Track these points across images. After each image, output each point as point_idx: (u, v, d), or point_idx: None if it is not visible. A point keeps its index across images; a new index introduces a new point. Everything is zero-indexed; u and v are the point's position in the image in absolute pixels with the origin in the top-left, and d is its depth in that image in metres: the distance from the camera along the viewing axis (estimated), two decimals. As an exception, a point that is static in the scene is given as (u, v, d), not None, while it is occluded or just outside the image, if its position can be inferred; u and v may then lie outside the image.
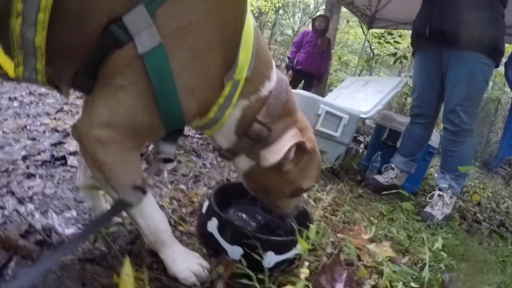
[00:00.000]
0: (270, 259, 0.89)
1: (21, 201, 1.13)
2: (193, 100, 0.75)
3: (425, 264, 1.14)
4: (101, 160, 0.71)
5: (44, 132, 1.77)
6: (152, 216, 0.80)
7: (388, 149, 2.78)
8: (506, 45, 2.45)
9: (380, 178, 2.49)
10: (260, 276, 0.83)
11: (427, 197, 2.27)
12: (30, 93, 2.59)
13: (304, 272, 0.83)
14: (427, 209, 2.15)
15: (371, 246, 1.15)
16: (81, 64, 0.70)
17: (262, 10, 11.11)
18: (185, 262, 0.84)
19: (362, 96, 2.94)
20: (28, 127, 1.83)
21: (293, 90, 2.54)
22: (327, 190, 1.81)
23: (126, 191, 0.74)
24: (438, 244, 1.44)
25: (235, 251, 0.90)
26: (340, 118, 2.39)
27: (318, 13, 6.30)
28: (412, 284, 1.03)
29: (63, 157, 1.52)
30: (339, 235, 1.21)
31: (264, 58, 0.84)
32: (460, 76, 2.15)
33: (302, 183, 0.95)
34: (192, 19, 0.69)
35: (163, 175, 1.49)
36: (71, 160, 1.51)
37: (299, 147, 0.86)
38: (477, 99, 2.21)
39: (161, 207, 1.19)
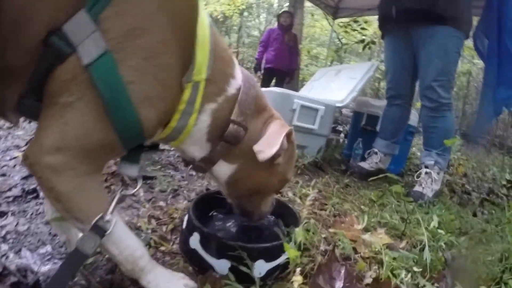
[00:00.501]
0: (261, 268, 0.83)
1: None
2: (151, 108, 0.66)
3: (424, 245, 1.10)
4: (57, 189, 0.64)
5: (14, 166, 1.70)
6: (125, 242, 0.72)
7: (369, 135, 2.76)
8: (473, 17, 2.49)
9: (364, 165, 2.46)
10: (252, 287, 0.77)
11: (415, 176, 2.25)
12: None
13: (296, 280, 0.76)
14: (417, 188, 2.13)
15: (366, 236, 1.10)
16: (25, 86, 0.63)
17: (226, 15, 11.07)
18: (170, 285, 0.76)
19: (335, 85, 2.91)
20: None
21: (266, 88, 2.49)
22: (312, 184, 1.76)
23: (91, 220, 0.66)
24: (434, 223, 1.42)
25: (222, 265, 0.83)
26: (316, 110, 2.34)
27: (282, 10, 6.28)
28: (415, 269, 0.98)
29: (34, 190, 1.44)
30: (331, 230, 1.15)
31: (225, 56, 0.77)
32: (433, 52, 2.15)
33: (288, 173, 0.93)
34: (140, 20, 0.62)
35: (139, 194, 1.41)
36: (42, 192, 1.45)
37: (287, 137, 0.83)
38: (452, 72, 2.21)
39: (139, 228, 1.11)
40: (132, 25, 0.61)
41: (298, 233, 0.87)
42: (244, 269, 0.80)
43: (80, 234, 0.91)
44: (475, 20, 2.37)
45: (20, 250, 1.03)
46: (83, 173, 0.65)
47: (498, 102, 2.41)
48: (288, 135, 0.83)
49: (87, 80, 0.59)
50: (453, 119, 2.28)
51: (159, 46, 0.64)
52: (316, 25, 11.19)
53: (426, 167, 2.21)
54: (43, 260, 0.98)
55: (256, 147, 0.79)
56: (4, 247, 1.05)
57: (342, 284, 0.81)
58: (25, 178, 1.54)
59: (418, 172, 2.24)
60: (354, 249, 1.06)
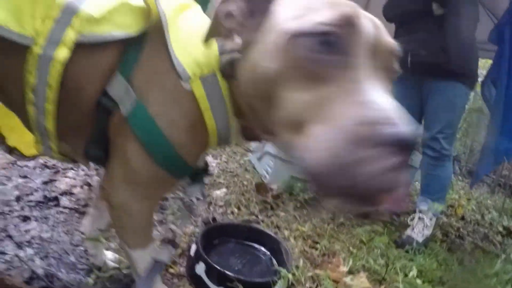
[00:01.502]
0: (254, 298, 1.01)
1: (20, 245, 1.24)
2: (186, 144, 0.77)
3: None
4: (123, 218, 0.83)
5: (34, 168, 1.85)
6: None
7: None
8: (482, 60, 2.66)
9: (362, 204, 2.62)
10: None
11: (408, 220, 2.39)
12: None
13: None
14: (408, 232, 2.27)
15: (348, 279, 1.28)
16: (88, 139, 0.80)
17: None
18: None
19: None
20: (18, 163, 1.90)
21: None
22: (309, 221, 1.95)
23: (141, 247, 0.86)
24: (413, 272, 1.59)
25: (220, 293, 1.02)
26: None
27: None
28: None
29: (56, 198, 1.62)
30: (317, 270, 1.33)
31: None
32: (441, 105, 2.30)
33: None
34: (157, 69, 0.75)
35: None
36: (64, 201, 1.62)
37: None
38: (456, 125, 2.39)
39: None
40: (152, 77, 0.75)
41: (286, 274, 1.05)
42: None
43: (108, 253, 1.12)
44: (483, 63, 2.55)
45: (45, 256, 1.22)
46: (143, 204, 0.83)
47: (499, 152, 2.52)
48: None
49: (130, 128, 0.74)
50: (451, 170, 2.44)
51: (176, 89, 0.75)
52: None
53: (420, 212, 2.35)
54: (68, 269, 1.17)
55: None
56: (30, 251, 1.23)
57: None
58: (45, 183, 1.71)
59: (411, 216, 2.38)
60: (337, 288, 1.24)
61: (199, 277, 1.06)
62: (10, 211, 1.43)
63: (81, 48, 0.70)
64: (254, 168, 2.92)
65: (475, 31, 2.37)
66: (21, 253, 1.20)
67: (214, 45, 0.75)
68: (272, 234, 1.45)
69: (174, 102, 0.75)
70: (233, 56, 0.71)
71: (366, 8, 3.44)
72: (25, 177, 1.74)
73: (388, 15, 2.66)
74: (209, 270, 1.04)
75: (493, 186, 7.26)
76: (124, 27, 0.73)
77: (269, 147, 2.63)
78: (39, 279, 1.08)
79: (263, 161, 2.75)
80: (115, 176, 0.80)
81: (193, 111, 0.75)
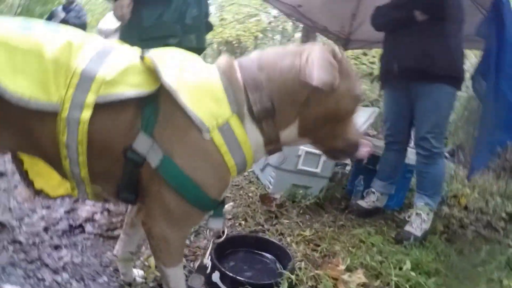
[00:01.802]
0: (262, 298, 1.20)
1: (56, 271, 1.42)
2: (211, 184, 0.94)
3: (395, 285, 1.47)
4: (162, 246, 0.99)
5: (55, 199, 1.96)
6: (181, 281, 1.08)
7: (370, 173, 3.05)
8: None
9: (362, 203, 2.78)
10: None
11: (406, 217, 2.53)
12: None
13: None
14: (407, 227, 2.40)
15: (346, 276, 1.46)
16: (119, 183, 0.95)
17: (241, 40, 11.65)
18: None
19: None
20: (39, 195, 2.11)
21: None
22: (311, 225, 2.14)
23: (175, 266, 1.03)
24: (407, 265, 1.76)
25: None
26: (319, 155, 2.71)
27: (296, 35, 6.71)
28: None
29: (80, 225, 1.79)
30: (317, 271, 1.51)
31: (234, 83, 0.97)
32: (428, 107, 2.45)
33: (355, 88, 1.01)
34: (177, 126, 0.90)
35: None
36: (88, 228, 1.79)
37: (333, 57, 0.94)
38: (445, 124, 2.55)
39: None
40: (173, 133, 0.90)
41: (288, 275, 1.24)
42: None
43: (135, 270, 1.32)
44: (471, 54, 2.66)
45: (81, 279, 1.41)
46: (178, 234, 1.00)
47: (493, 144, 2.60)
48: (333, 54, 0.93)
49: (160, 177, 0.89)
50: (444, 166, 2.59)
51: (197, 141, 0.90)
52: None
53: (417, 207, 2.49)
54: (103, 288, 1.37)
55: (311, 77, 0.89)
56: (66, 276, 1.42)
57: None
58: (68, 212, 1.89)
59: (409, 213, 2.52)
60: (336, 286, 1.43)
61: (216, 284, 1.25)
62: (41, 241, 1.61)
63: (102, 108, 0.84)
64: (257, 179, 3.10)
65: (459, 32, 2.49)
66: (59, 278, 1.37)
67: (223, 95, 0.92)
68: (276, 242, 1.65)
69: (197, 152, 0.91)
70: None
71: (354, 18, 3.65)
72: (48, 207, 1.91)
73: (375, 24, 2.84)
74: (223, 277, 1.24)
75: (498, 171, 7.34)
76: (136, 87, 0.87)
77: (270, 159, 2.81)
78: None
79: (266, 172, 2.93)
80: (154, 214, 0.96)
81: (215, 157, 0.91)
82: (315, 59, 0.91)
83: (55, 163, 0.93)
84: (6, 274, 1.36)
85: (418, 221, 2.43)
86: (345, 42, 5.48)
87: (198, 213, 0.99)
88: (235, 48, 12.07)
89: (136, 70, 0.89)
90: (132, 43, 2.27)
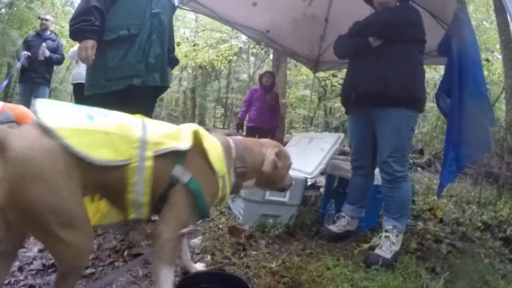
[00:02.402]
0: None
1: None
2: (212, 199, 1.50)
3: None
4: (167, 248, 1.39)
5: (29, 237, 2.04)
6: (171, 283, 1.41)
7: (341, 196, 3.12)
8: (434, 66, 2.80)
9: (333, 228, 2.83)
10: None
11: (376, 239, 2.54)
12: None
13: None
14: (376, 250, 2.44)
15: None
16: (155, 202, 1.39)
17: (215, 65, 11.83)
18: None
19: (307, 154, 3.33)
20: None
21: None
22: (278, 255, 2.17)
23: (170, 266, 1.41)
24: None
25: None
26: (286, 185, 2.76)
27: (265, 71, 6.86)
28: None
29: (53, 265, 1.80)
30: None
31: (228, 147, 1.62)
32: (388, 131, 2.51)
33: (287, 166, 1.84)
34: (197, 166, 1.43)
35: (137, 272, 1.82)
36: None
37: (277, 155, 1.70)
38: (406, 147, 2.56)
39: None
40: (195, 169, 1.42)
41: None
42: None
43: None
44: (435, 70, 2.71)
45: None
46: (178, 238, 1.42)
47: (460, 160, 2.61)
48: (277, 153, 1.70)
49: (185, 191, 1.38)
50: (409, 188, 2.62)
51: (209, 177, 1.47)
52: (302, 70, 11.85)
53: (386, 231, 2.52)
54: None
55: (263, 168, 1.65)
56: None
57: None
58: (41, 251, 1.90)
59: (378, 236, 2.55)
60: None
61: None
62: (15, 281, 1.63)
63: (159, 158, 1.32)
64: (229, 209, 3.13)
65: (418, 53, 2.56)
66: None
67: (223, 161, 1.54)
68: (240, 277, 1.68)
69: (209, 184, 1.46)
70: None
71: (322, 40, 3.74)
72: (22, 247, 1.87)
73: (337, 53, 2.95)
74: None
75: (475, 177, 7.47)
76: (177, 144, 1.38)
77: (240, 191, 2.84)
78: None
79: (236, 203, 2.96)
80: (168, 220, 1.40)
81: (215, 189, 1.49)
82: (267, 154, 1.68)
83: (117, 198, 1.32)
84: None
85: (388, 243, 2.47)
86: (315, 64, 5.67)
87: (195, 221, 1.50)
88: (209, 72, 12.27)
89: (171, 136, 1.41)
90: (97, 84, 2.34)
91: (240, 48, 11.70)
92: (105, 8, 2.37)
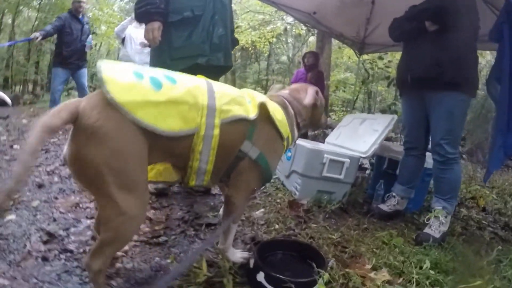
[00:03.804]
0: (301, 293, 1.43)
1: (110, 277, 1.57)
2: (277, 160, 1.71)
3: (417, 282, 1.68)
4: (238, 210, 1.62)
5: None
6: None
7: (390, 177, 3.26)
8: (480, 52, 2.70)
9: (384, 207, 2.98)
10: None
11: (425, 219, 2.68)
12: (64, 165, 3.13)
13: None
14: (426, 230, 2.58)
15: (372, 274, 1.68)
16: (225, 171, 1.53)
17: (257, 46, 11.93)
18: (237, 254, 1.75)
19: (359, 135, 3.46)
20: (80, 205, 2.29)
21: (300, 142, 3.09)
22: (337, 228, 2.35)
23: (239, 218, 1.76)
24: (427, 264, 1.95)
25: (278, 292, 1.45)
26: (343, 162, 2.93)
27: (306, 51, 6.91)
28: None
29: None
30: (347, 269, 1.74)
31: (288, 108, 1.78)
32: (442, 115, 2.60)
33: (323, 106, 2.02)
34: (265, 138, 1.55)
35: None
36: (134, 236, 1.94)
37: (316, 93, 1.89)
38: (459, 131, 2.66)
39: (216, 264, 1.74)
40: (263, 139, 1.53)
41: (325, 274, 1.46)
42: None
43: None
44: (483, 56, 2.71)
45: (135, 283, 1.58)
46: (247, 199, 1.75)
47: (508, 147, 2.65)
48: (316, 92, 1.90)
49: (255, 164, 1.52)
50: (459, 171, 2.71)
51: (276, 143, 1.62)
52: (344, 53, 11.79)
53: (435, 211, 2.62)
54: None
55: (304, 102, 1.81)
56: (120, 280, 1.58)
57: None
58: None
59: (428, 216, 2.67)
60: (363, 283, 1.64)
61: (260, 283, 1.47)
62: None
63: (225, 126, 1.38)
64: (283, 185, 3.33)
65: (472, 40, 2.62)
66: (114, 283, 1.54)
67: (285, 121, 1.66)
68: (310, 245, 1.88)
69: (276, 149, 1.64)
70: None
71: (368, 23, 3.80)
72: (92, 218, 2.11)
73: (392, 36, 3.02)
74: (268, 277, 1.46)
75: None
76: (244, 112, 1.46)
77: (296, 166, 3.05)
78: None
79: (291, 179, 3.16)
80: (239, 189, 1.58)
81: (282, 151, 1.68)
82: (309, 91, 1.86)
83: (182, 164, 1.42)
84: (63, 281, 1.52)
85: (437, 223, 2.59)
86: (360, 46, 5.69)
87: (260, 186, 1.74)
88: (250, 54, 12.37)
89: (237, 101, 1.46)
90: (163, 63, 2.49)
91: (285, 29, 11.72)
92: None
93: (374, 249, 2.15)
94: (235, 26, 11.63)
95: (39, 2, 15.00)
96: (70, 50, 5.71)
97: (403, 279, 1.79)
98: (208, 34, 2.49)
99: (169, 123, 1.22)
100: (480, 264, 2.22)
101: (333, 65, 12.51)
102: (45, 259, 1.67)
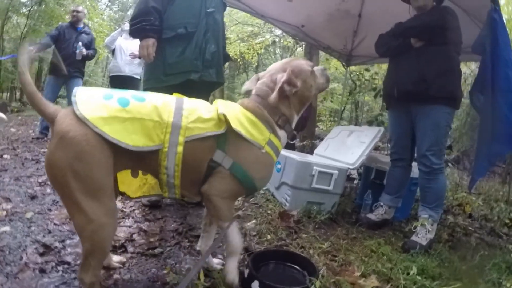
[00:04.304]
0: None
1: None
2: (266, 169, 1.59)
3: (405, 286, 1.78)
4: (219, 208, 1.52)
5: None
6: (236, 236, 1.59)
7: (377, 187, 3.38)
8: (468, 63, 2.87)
9: (372, 216, 3.09)
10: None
11: (412, 228, 2.81)
12: None
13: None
14: (413, 237, 2.69)
15: (361, 281, 1.78)
16: (197, 183, 1.51)
17: (246, 58, 12.12)
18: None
19: (347, 146, 3.59)
20: None
21: (288, 154, 3.19)
22: (327, 238, 2.45)
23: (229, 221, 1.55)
24: (414, 270, 2.06)
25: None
26: (331, 174, 3.04)
27: (298, 50, 7.07)
28: None
29: (122, 245, 2.07)
30: (337, 277, 1.83)
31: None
32: (427, 127, 2.73)
33: (309, 77, 1.70)
34: (237, 148, 1.48)
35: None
36: (129, 248, 2.06)
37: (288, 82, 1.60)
38: (443, 142, 2.79)
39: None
40: (236, 150, 1.47)
41: (316, 282, 1.55)
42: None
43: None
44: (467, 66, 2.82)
45: None
46: (230, 202, 1.57)
47: (492, 156, 2.79)
48: (287, 81, 1.58)
49: (230, 174, 1.46)
50: (444, 180, 2.84)
51: (253, 152, 1.51)
52: (332, 64, 12.02)
53: (422, 219, 2.74)
54: None
55: (269, 100, 1.59)
56: None
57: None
58: None
59: (415, 224, 2.79)
60: (353, 289, 1.74)
61: (255, 291, 1.56)
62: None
63: (191, 143, 1.40)
64: (273, 196, 3.43)
65: (456, 53, 2.76)
66: None
67: (261, 125, 1.56)
68: (301, 254, 1.98)
69: (256, 160, 1.52)
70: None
71: (355, 35, 3.92)
72: None
73: (378, 52, 3.16)
74: (262, 285, 1.54)
75: (504, 175, 7.54)
76: (210, 129, 1.44)
77: (286, 178, 3.14)
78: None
79: (281, 190, 3.26)
80: (213, 183, 1.49)
81: (267, 159, 1.55)
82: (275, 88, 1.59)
83: (156, 176, 1.47)
84: None
85: (423, 231, 2.70)
86: (347, 58, 5.82)
87: (242, 193, 1.57)
88: (238, 65, 12.54)
89: (202, 119, 1.45)
90: (157, 78, 2.57)
91: (274, 41, 11.92)
92: (163, 8, 2.53)
93: (363, 257, 2.25)
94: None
95: (28, 9, 15.01)
96: (61, 57, 5.65)
97: (391, 285, 1.89)
98: (200, 50, 2.60)
99: (133, 139, 1.30)
100: (464, 269, 2.33)
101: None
102: (42, 271, 1.73)
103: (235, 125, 1.45)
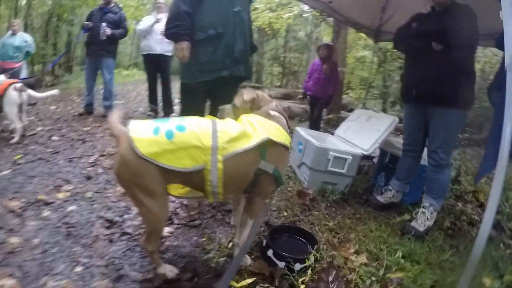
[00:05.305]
0: (298, 266, 2.08)
1: (163, 252, 2.13)
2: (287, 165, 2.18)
3: (387, 266, 2.24)
4: (255, 211, 2.00)
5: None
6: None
7: (390, 170, 3.69)
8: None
9: (380, 198, 3.47)
10: (293, 274, 2.02)
11: (413, 213, 3.12)
12: (103, 155, 3.71)
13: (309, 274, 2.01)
14: (412, 223, 2.98)
15: (353, 257, 2.29)
16: (243, 189, 1.92)
17: (274, 27, 12.24)
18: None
19: (365, 131, 4.02)
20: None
21: (308, 136, 3.64)
22: (334, 216, 2.95)
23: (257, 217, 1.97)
24: (398, 254, 2.43)
25: (281, 264, 2.09)
26: (345, 159, 3.49)
27: (320, 44, 7.20)
28: (372, 278, 2.12)
29: (169, 218, 2.50)
30: (334, 252, 2.34)
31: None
32: (440, 127, 2.98)
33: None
34: (276, 155, 1.87)
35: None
36: (175, 220, 2.55)
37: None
38: (453, 141, 3.06)
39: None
40: (275, 156, 1.87)
41: (315, 253, 2.12)
42: (290, 266, 2.06)
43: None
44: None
45: (181, 256, 2.20)
46: (265, 200, 2.05)
47: None
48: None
49: (271, 176, 1.88)
50: (449, 174, 3.16)
51: (285, 155, 1.98)
52: (361, 34, 11.84)
53: (424, 207, 3.03)
54: (197, 261, 2.24)
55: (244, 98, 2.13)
56: (170, 254, 2.21)
57: (331, 278, 2.02)
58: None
59: (416, 211, 3.10)
60: (345, 263, 2.24)
61: (269, 257, 2.13)
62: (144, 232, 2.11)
63: (229, 159, 1.72)
64: (295, 173, 3.93)
65: (472, 57, 2.99)
66: (166, 256, 2.10)
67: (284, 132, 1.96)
68: (308, 230, 2.52)
69: (285, 159, 2.00)
70: None
71: (383, 11, 4.37)
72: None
73: (397, 47, 3.42)
74: (275, 253, 2.11)
75: None
76: (242, 145, 1.77)
77: (306, 160, 3.63)
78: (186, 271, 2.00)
79: (301, 169, 3.76)
80: (260, 192, 1.94)
81: (289, 157, 2.09)
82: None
83: (200, 187, 1.80)
84: (128, 256, 2.07)
85: (423, 218, 3.00)
86: (376, 34, 5.86)
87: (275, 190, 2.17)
88: (267, 30, 12.60)
89: (235, 138, 1.77)
90: (192, 75, 3.02)
91: (301, 15, 11.86)
92: (193, 9, 2.77)
93: (361, 237, 2.70)
94: (253, 9, 11.71)
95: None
96: (93, 40, 5.92)
97: (378, 263, 2.32)
98: (229, 49, 2.85)
99: (184, 163, 1.66)
100: (447, 258, 2.51)
101: (351, 45, 12.67)
102: (110, 241, 2.23)
103: (278, 140, 1.85)
